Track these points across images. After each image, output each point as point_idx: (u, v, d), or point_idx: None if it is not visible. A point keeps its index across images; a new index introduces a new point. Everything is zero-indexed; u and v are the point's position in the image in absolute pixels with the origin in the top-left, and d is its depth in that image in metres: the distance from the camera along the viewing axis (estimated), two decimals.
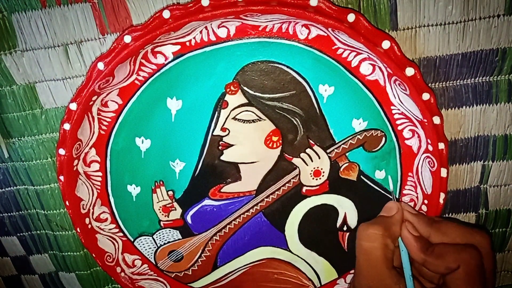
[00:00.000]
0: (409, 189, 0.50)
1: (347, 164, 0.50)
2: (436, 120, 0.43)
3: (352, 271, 0.55)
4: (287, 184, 0.51)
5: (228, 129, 0.48)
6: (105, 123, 0.47)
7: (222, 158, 0.50)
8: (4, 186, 0.55)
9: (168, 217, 0.53)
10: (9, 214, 0.57)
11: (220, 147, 0.49)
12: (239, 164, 0.50)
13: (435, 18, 0.43)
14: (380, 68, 0.44)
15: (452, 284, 0.38)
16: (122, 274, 0.54)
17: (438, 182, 0.46)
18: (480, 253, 0.38)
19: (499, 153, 0.49)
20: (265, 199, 0.52)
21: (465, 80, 0.46)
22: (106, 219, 0.52)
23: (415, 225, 0.42)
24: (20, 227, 0.58)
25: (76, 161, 0.48)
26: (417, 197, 0.49)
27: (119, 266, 0.54)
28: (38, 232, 0.58)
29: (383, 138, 0.48)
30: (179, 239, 0.54)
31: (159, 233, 0.54)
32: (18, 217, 0.57)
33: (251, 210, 0.52)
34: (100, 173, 0.50)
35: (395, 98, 0.45)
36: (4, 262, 0.62)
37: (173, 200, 0.52)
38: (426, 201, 0.48)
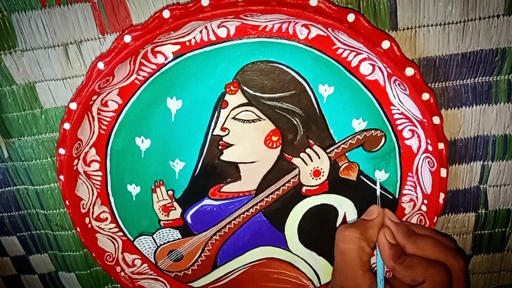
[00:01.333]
0: (408, 189, 0.50)
1: (346, 164, 0.50)
2: (436, 120, 0.43)
3: None
4: (286, 184, 0.51)
5: (228, 128, 0.48)
6: (105, 122, 0.47)
7: (222, 157, 0.50)
8: (4, 186, 0.55)
9: (168, 216, 0.53)
10: (8, 214, 0.57)
11: (220, 147, 0.49)
12: (238, 164, 0.50)
13: (435, 18, 0.43)
14: (380, 68, 0.44)
15: None
16: (122, 273, 0.54)
17: (438, 182, 0.46)
18: (449, 272, 0.39)
19: (498, 153, 0.49)
20: (265, 199, 0.52)
21: (465, 80, 0.46)
22: (106, 219, 0.52)
23: (394, 233, 0.42)
24: (19, 227, 0.58)
25: (76, 161, 0.48)
26: (416, 197, 0.50)
27: (119, 266, 0.54)
28: (38, 232, 0.58)
29: (383, 138, 0.48)
30: (179, 239, 0.54)
31: (159, 232, 0.54)
32: (18, 217, 0.57)
33: (250, 210, 0.52)
34: (100, 173, 0.50)
35: (395, 98, 0.45)
36: (3, 262, 0.62)
37: (173, 200, 0.52)
38: (425, 201, 0.48)
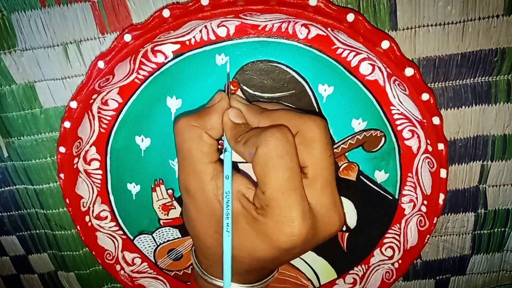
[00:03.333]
0: (408, 190, 0.50)
1: (346, 164, 0.50)
2: (436, 120, 0.43)
3: (351, 272, 0.55)
4: None
5: None
6: (105, 121, 0.47)
7: (221, 157, 0.50)
8: (4, 185, 0.55)
9: (167, 215, 0.53)
10: (8, 213, 0.57)
11: (219, 146, 0.49)
12: (238, 164, 0.50)
13: (435, 18, 0.43)
14: (379, 68, 0.44)
15: (255, 171, 0.35)
16: (122, 272, 0.54)
17: (438, 183, 0.46)
18: (288, 132, 0.35)
19: (498, 153, 0.49)
20: None
21: (464, 80, 0.46)
22: (106, 217, 0.52)
23: (244, 114, 0.39)
24: (19, 227, 0.58)
25: (76, 159, 0.48)
26: (416, 198, 0.49)
27: (118, 264, 0.54)
28: (37, 231, 0.58)
29: (383, 138, 0.48)
30: (178, 238, 0.54)
31: (159, 231, 0.54)
32: (17, 216, 0.57)
33: None
34: (100, 171, 0.50)
35: (395, 98, 0.45)
36: (3, 261, 0.62)
37: (173, 199, 0.52)
38: (425, 202, 0.48)
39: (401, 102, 0.45)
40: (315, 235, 0.37)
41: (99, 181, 0.50)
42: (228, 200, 0.38)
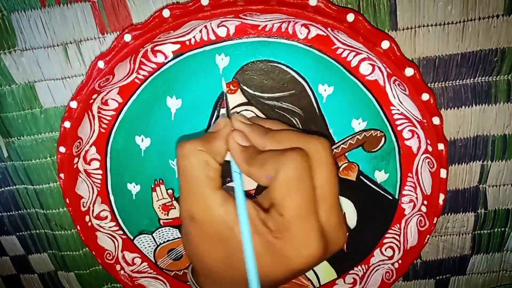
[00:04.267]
0: (408, 190, 0.50)
1: (346, 164, 0.50)
2: (436, 120, 0.43)
3: (351, 272, 0.55)
4: None
5: None
6: (105, 121, 0.47)
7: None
8: (3, 185, 0.55)
9: (167, 215, 0.53)
10: (8, 213, 0.57)
11: None
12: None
13: (435, 18, 0.43)
14: (379, 68, 0.44)
15: (274, 195, 0.35)
16: (122, 272, 0.54)
17: (438, 183, 0.46)
18: (306, 155, 0.35)
19: (498, 153, 0.49)
20: None
21: (465, 80, 0.46)
22: (106, 217, 0.52)
23: (249, 136, 0.39)
24: (19, 227, 0.58)
25: (76, 159, 0.48)
26: (416, 198, 0.49)
27: (118, 264, 0.54)
28: (37, 231, 0.58)
29: (383, 139, 0.48)
30: (178, 238, 0.54)
31: (159, 231, 0.54)
32: (17, 216, 0.57)
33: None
34: (100, 171, 0.50)
35: (395, 98, 0.45)
36: (3, 261, 0.62)
37: (173, 199, 0.52)
38: (425, 202, 0.48)
39: (401, 102, 0.45)
40: (325, 254, 0.37)
41: (99, 181, 0.50)
42: (245, 224, 0.36)
